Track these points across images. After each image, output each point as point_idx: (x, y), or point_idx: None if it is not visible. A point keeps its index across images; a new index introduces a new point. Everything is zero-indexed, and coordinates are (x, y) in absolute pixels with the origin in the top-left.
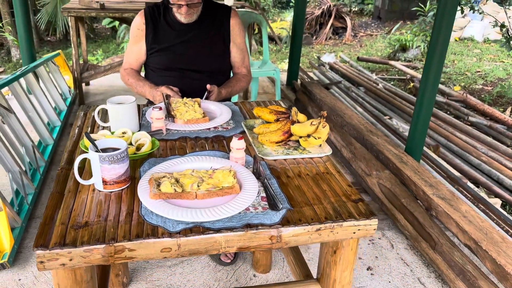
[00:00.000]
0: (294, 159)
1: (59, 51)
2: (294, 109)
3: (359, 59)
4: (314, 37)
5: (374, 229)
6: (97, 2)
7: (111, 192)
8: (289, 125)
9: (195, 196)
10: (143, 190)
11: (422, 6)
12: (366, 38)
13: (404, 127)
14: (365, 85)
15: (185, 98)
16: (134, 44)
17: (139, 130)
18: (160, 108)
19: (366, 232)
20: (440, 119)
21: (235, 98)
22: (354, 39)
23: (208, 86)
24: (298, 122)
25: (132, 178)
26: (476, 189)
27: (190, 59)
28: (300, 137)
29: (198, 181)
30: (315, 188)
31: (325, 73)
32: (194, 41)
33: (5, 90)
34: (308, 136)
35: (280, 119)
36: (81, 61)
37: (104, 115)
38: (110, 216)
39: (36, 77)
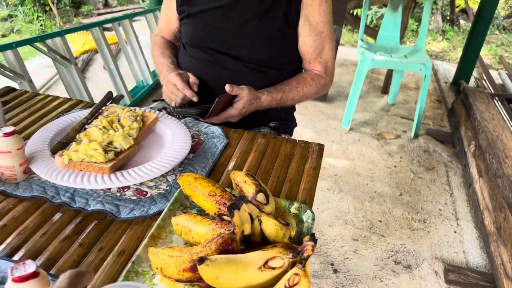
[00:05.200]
0: None
1: None
2: (244, 208)
3: None
4: None
5: None
6: None
7: None
8: (210, 251)
9: None
10: None
11: None
12: None
13: None
14: None
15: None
16: (166, 3)
17: None
18: (13, 132)
19: None
20: None
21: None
22: None
23: (227, 86)
24: (251, 243)
25: None
26: None
27: (226, 36)
28: None
29: None
30: None
31: None
32: (237, 9)
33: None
34: None
35: (224, 217)
36: None
37: None
38: None
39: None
